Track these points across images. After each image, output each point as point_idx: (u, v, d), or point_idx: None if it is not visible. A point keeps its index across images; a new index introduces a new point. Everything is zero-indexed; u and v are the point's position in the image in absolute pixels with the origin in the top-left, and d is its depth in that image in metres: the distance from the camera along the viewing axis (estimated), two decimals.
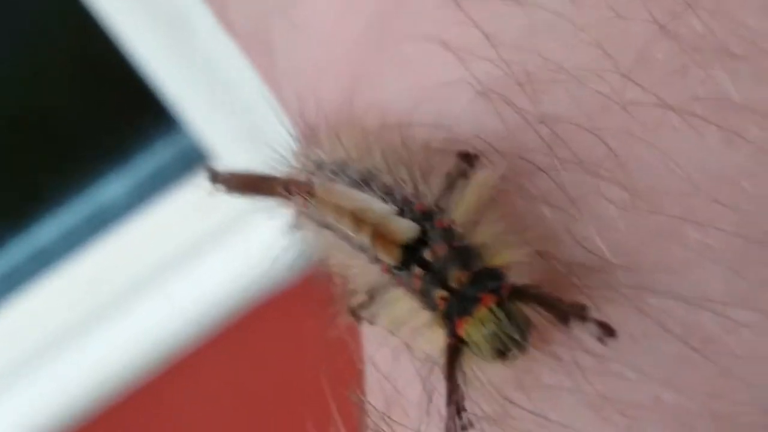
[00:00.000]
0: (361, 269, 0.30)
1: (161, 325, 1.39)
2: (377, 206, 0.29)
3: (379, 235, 0.28)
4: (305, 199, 0.31)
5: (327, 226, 0.31)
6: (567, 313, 0.25)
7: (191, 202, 1.37)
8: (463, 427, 0.26)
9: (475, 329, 0.26)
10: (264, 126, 1.17)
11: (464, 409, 0.26)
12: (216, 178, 0.34)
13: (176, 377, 1.41)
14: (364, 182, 0.30)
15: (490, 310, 0.26)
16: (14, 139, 1.44)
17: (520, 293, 0.26)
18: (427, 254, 0.28)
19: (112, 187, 1.42)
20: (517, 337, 0.26)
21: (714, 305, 0.24)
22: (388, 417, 0.29)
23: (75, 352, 1.42)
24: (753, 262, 0.24)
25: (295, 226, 0.33)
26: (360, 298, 0.30)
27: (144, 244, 1.40)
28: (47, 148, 1.44)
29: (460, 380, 0.26)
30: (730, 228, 0.24)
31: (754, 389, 0.24)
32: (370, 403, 0.30)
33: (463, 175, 0.28)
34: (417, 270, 0.28)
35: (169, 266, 1.39)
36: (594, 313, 0.25)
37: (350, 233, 0.29)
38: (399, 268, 0.28)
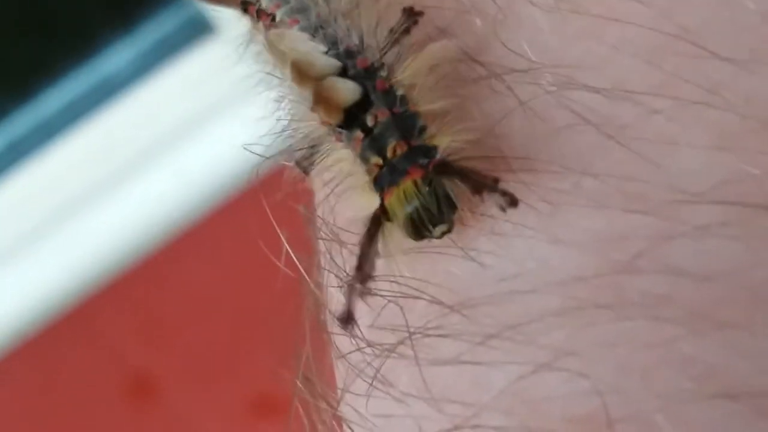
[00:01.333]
0: (301, 117, 0.31)
1: (166, 196, 1.41)
2: (322, 61, 0.30)
3: (322, 95, 0.29)
4: (259, 25, 0.33)
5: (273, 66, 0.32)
6: (481, 184, 0.26)
7: (196, 72, 1.37)
8: (361, 292, 0.27)
9: (398, 200, 0.28)
10: None
11: (371, 277, 0.27)
12: None
13: (183, 249, 1.43)
14: (317, 28, 0.31)
15: (415, 183, 0.27)
16: (17, 9, 1.44)
17: (445, 168, 0.27)
18: (369, 118, 0.29)
19: (117, 57, 1.42)
20: (439, 210, 0.27)
21: (630, 95, 0.26)
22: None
23: (79, 225, 1.44)
24: (667, 54, 0.26)
25: (249, 40, 0.34)
26: (303, 151, 0.31)
27: (148, 115, 1.41)
28: (50, 18, 1.44)
29: (372, 249, 0.27)
30: (646, 23, 0.26)
31: (663, 170, 0.26)
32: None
33: (406, 31, 0.29)
34: (357, 133, 0.29)
35: (175, 137, 1.41)
36: (502, 186, 0.26)
37: (293, 85, 0.30)
38: (340, 126, 0.29)
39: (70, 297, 1.44)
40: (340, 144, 0.29)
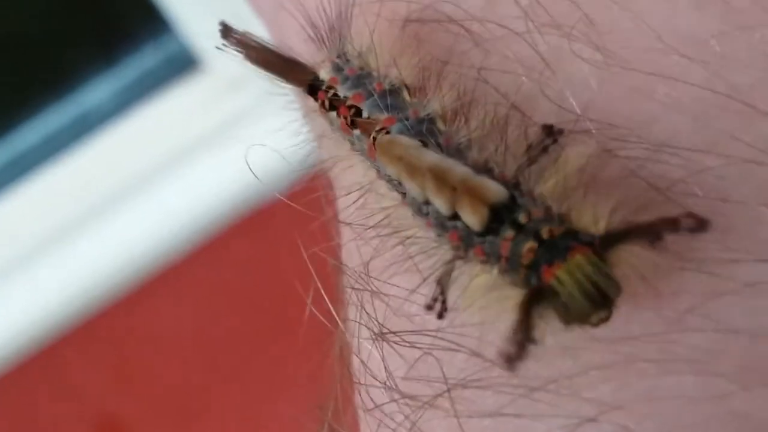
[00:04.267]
0: (423, 244, 0.30)
1: (146, 232, 1.41)
2: (459, 168, 0.28)
3: (466, 194, 0.28)
4: (342, 117, 0.32)
5: (377, 175, 0.31)
6: (661, 229, 0.25)
7: (179, 108, 1.38)
8: (519, 357, 0.25)
9: (568, 275, 0.26)
10: (260, 31, 1.18)
11: (533, 341, 0.26)
12: (227, 33, 0.33)
13: (163, 284, 1.43)
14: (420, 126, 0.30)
15: (586, 257, 0.26)
16: None
17: (613, 237, 0.26)
18: (521, 216, 0.27)
19: (98, 91, 1.43)
20: (609, 288, 0.26)
21: (679, 151, 0.27)
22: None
23: (49, 263, 1.44)
24: (718, 113, 0.27)
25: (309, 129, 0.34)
26: (433, 291, 0.29)
27: (129, 150, 1.42)
28: (32, 51, 1.44)
29: (534, 316, 0.26)
30: (697, 82, 0.27)
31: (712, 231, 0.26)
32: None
33: (545, 150, 0.28)
34: (508, 232, 0.27)
35: (155, 172, 1.41)
36: (678, 214, 0.25)
37: (425, 192, 0.29)
38: (481, 235, 0.28)
39: (38, 337, 1.43)
40: (479, 258, 0.28)
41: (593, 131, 0.28)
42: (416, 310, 0.30)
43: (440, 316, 0.29)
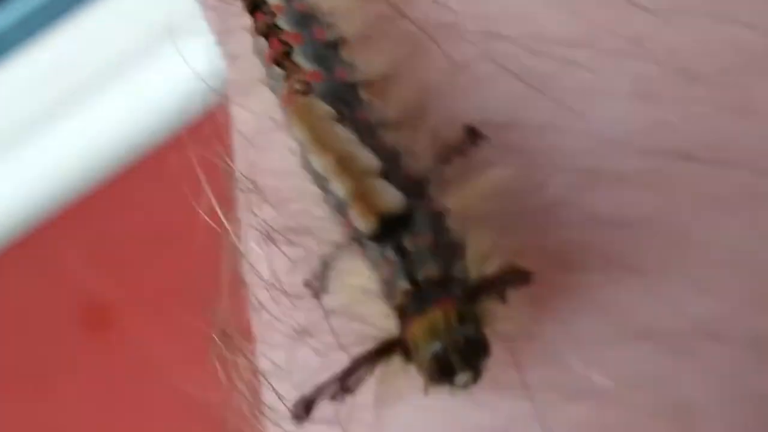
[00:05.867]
0: (319, 217, 0.28)
1: (125, 119, 1.40)
2: (368, 159, 0.27)
3: (360, 195, 0.26)
4: (275, 57, 0.30)
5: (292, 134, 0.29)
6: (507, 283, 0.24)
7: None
8: (333, 398, 0.25)
9: (422, 333, 0.25)
10: None
11: (350, 392, 0.25)
12: None
13: (142, 175, 1.43)
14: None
15: (445, 315, 0.25)
16: None
17: (476, 290, 0.25)
18: (407, 241, 0.26)
19: None
20: (463, 353, 0.25)
21: (551, 46, 0.27)
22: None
23: (32, 147, 1.43)
24: (590, 5, 0.27)
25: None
26: (315, 266, 0.28)
27: (102, 35, 1.40)
28: None
29: (366, 371, 0.25)
30: None
31: (587, 119, 0.27)
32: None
33: (461, 152, 0.27)
34: (390, 254, 0.26)
35: (129, 58, 1.39)
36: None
37: (324, 175, 0.27)
38: (370, 239, 0.27)
39: (23, 222, 1.43)
40: (358, 255, 0.27)
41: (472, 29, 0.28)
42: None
43: (317, 296, 0.28)
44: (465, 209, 0.26)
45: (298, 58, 0.30)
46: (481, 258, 0.25)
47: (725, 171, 0.26)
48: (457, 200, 0.26)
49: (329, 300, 0.28)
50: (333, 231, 0.27)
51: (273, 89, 0.31)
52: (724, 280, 0.25)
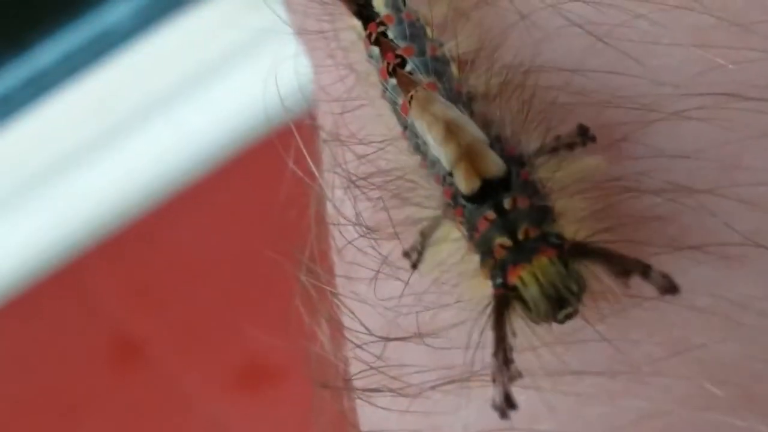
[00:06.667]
0: (422, 181, 0.31)
1: (163, 154, 1.43)
2: (473, 129, 0.29)
3: (465, 158, 0.29)
4: (387, 55, 0.32)
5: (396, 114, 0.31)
6: (629, 268, 0.27)
7: (197, 28, 1.40)
8: (511, 378, 0.26)
9: (531, 277, 0.27)
10: None
11: (512, 360, 0.27)
12: None
13: (179, 209, 1.45)
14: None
15: (550, 261, 0.27)
16: None
17: (582, 250, 0.28)
18: (506, 201, 0.28)
19: (117, 9, 1.44)
20: (573, 290, 0.27)
21: (616, 1, 0.30)
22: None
23: (72, 181, 1.46)
24: None
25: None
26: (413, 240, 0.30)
27: (147, 71, 1.44)
28: None
29: (507, 331, 0.27)
30: None
31: (645, 69, 0.30)
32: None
33: (570, 147, 0.29)
34: (490, 213, 0.28)
35: (173, 94, 1.43)
36: (657, 268, 0.26)
37: (433, 142, 0.29)
38: (469, 201, 0.29)
39: (61, 254, 1.45)
40: (458, 219, 0.29)
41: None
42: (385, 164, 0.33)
43: (414, 266, 0.30)
44: (558, 185, 0.29)
45: (411, 69, 0.32)
46: (574, 224, 0.28)
47: None
48: (556, 177, 0.29)
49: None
50: (430, 199, 0.30)
51: (367, 72, 0.33)
52: None
